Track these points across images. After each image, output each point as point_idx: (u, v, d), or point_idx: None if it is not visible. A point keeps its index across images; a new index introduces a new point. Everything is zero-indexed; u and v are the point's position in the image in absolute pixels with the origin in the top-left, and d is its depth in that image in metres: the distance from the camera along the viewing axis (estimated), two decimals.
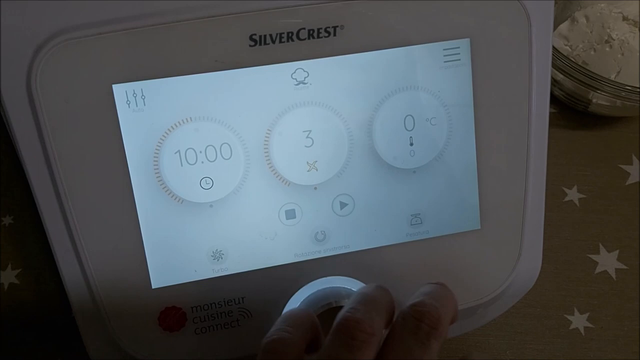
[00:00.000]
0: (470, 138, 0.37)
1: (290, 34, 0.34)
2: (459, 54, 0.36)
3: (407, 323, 0.29)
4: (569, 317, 0.48)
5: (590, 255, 0.50)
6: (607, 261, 0.50)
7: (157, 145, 0.34)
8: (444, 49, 0.36)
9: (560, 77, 0.50)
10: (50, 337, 0.46)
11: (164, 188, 0.35)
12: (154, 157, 0.35)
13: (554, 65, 0.49)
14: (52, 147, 0.33)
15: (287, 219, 0.37)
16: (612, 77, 0.51)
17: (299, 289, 0.37)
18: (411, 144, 0.37)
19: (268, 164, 0.36)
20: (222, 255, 0.36)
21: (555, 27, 0.53)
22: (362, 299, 0.30)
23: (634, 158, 0.53)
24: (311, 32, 0.34)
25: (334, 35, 0.34)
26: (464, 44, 0.36)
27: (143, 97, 0.34)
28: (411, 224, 0.38)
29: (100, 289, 0.36)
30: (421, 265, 0.38)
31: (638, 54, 0.51)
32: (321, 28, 0.34)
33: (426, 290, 0.31)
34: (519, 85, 0.37)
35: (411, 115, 0.37)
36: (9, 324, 0.46)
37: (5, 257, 0.47)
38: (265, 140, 0.36)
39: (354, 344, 0.27)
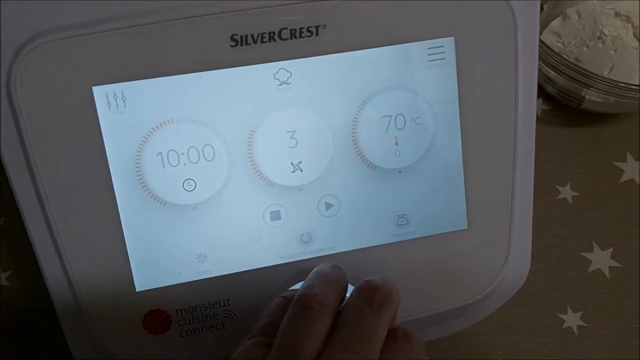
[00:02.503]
0: (456, 137, 0.37)
1: (272, 34, 0.34)
2: (443, 52, 0.36)
3: (362, 294, 0.31)
4: (562, 316, 0.48)
5: (583, 254, 0.50)
6: (601, 259, 0.50)
7: (139, 147, 0.34)
8: (429, 48, 0.36)
9: (552, 74, 0.50)
10: (41, 339, 0.46)
11: (146, 190, 0.35)
12: (136, 159, 0.34)
13: (546, 62, 0.49)
14: (33, 150, 0.33)
15: (272, 220, 0.37)
16: (605, 73, 0.50)
17: (284, 290, 0.37)
18: (396, 144, 0.37)
19: (252, 165, 0.36)
20: (207, 258, 0.36)
21: (547, 23, 0.53)
22: (317, 277, 0.33)
23: (628, 155, 0.53)
24: (293, 31, 0.34)
25: (317, 34, 0.34)
26: (448, 43, 0.36)
27: (124, 98, 0.33)
28: (397, 225, 0.38)
29: (83, 293, 0.35)
30: (408, 266, 0.38)
31: (631, 50, 0.50)
32: (303, 28, 0.34)
33: (375, 276, 0.33)
34: (504, 83, 0.37)
35: (396, 115, 0.36)
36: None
37: None
38: (249, 141, 0.35)
39: (310, 313, 0.30)
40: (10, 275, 0.47)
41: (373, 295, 0.31)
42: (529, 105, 0.38)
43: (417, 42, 0.35)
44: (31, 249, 0.47)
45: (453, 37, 0.36)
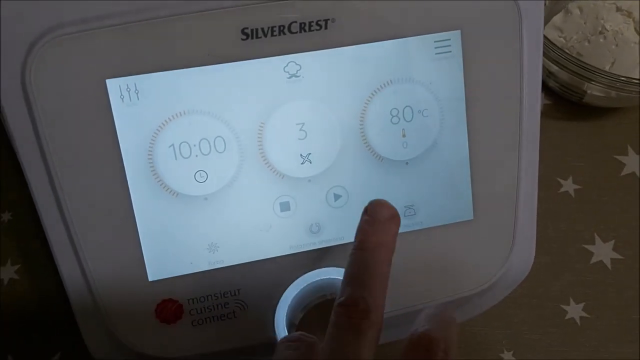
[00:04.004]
0: (462, 129, 0.38)
1: (282, 28, 0.34)
2: (450, 45, 0.36)
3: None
4: (565, 307, 0.49)
5: (585, 246, 0.50)
6: (603, 251, 0.50)
7: (152, 139, 0.35)
8: (435, 41, 0.36)
9: (554, 68, 0.50)
10: (50, 331, 0.47)
11: (158, 182, 0.35)
12: (149, 151, 0.35)
13: (548, 57, 0.49)
14: (48, 143, 0.34)
15: (281, 211, 0.37)
16: (607, 68, 0.51)
17: (294, 280, 0.37)
18: (403, 136, 0.37)
19: (262, 156, 0.36)
20: (218, 248, 0.37)
21: (550, 18, 0.53)
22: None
23: (629, 149, 0.53)
24: (303, 25, 0.34)
25: (326, 28, 0.35)
26: (454, 36, 0.36)
27: (137, 91, 0.34)
28: (405, 215, 0.38)
29: (97, 283, 0.36)
30: (415, 256, 0.39)
31: (632, 44, 0.51)
32: (313, 21, 0.34)
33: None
34: (510, 76, 0.37)
35: (403, 108, 0.37)
36: (8, 319, 0.47)
37: (5, 253, 0.48)
38: (259, 133, 0.36)
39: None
40: (19, 269, 0.48)
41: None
42: (533, 98, 0.38)
43: (424, 36, 0.36)
44: (39, 242, 0.47)
45: (459, 31, 0.36)
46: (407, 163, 0.38)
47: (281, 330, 0.37)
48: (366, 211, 0.33)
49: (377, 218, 0.33)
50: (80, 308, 0.37)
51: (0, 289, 0.47)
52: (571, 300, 0.49)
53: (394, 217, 0.33)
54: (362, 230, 0.33)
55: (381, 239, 0.32)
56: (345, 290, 0.31)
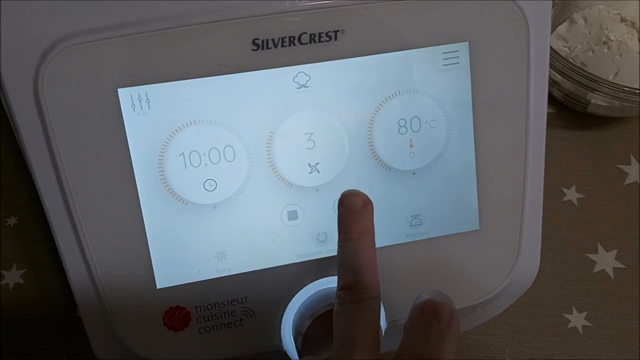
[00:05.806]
0: (469, 140, 0.38)
1: (292, 39, 0.34)
2: (457, 57, 0.37)
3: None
4: (568, 316, 0.49)
5: (588, 255, 0.51)
6: (606, 260, 0.51)
7: (162, 148, 0.35)
8: (443, 53, 0.36)
9: (559, 78, 0.51)
10: (55, 336, 0.47)
11: (168, 190, 0.36)
12: (159, 159, 0.35)
13: (552, 67, 0.50)
14: (59, 150, 0.34)
15: (289, 220, 0.37)
16: (611, 78, 0.51)
17: (301, 288, 0.38)
18: (411, 146, 0.38)
19: (270, 166, 0.36)
20: (226, 256, 0.37)
21: (554, 28, 0.54)
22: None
23: (632, 158, 0.53)
24: (312, 36, 0.35)
25: (335, 39, 0.35)
26: (462, 48, 0.37)
27: (148, 100, 0.34)
28: (411, 225, 0.39)
29: (106, 289, 0.36)
30: (421, 265, 0.39)
31: (636, 55, 0.51)
32: (322, 32, 0.35)
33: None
34: (517, 87, 0.38)
35: (411, 118, 0.37)
36: (14, 323, 0.47)
37: (10, 257, 0.48)
38: (268, 143, 0.36)
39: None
40: (24, 274, 0.48)
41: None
42: (540, 109, 0.39)
43: (432, 47, 0.36)
44: (45, 247, 0.48)
45: (467, 42, 0.36)
46: (414, 173, 0.38)
47: (288, 338, 0.37)
48: (341, 204, 0.35)
49: (354, 208, 0.34)
50: (88, 314, 0.37)
51: (6, 293, 0.47)
52: (574, 309, 0.49)
53: (367, 203, 0.35)
54: (343, 223, 0.34)
55: (362, 226, 0.34)
56: (341, 279, 0.33)
